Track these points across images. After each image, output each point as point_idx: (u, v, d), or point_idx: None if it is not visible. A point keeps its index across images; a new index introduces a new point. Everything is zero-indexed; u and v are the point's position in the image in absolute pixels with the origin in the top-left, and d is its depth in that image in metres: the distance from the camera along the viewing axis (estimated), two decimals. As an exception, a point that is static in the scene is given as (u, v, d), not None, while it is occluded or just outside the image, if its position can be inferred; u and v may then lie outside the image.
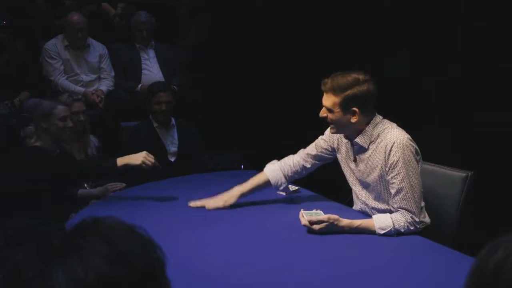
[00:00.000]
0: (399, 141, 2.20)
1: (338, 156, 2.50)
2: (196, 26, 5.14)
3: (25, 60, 4.51)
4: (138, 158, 2.59)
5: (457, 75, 3.81)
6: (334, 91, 2.23)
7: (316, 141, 2.57)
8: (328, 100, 2.26)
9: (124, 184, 3.19)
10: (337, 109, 2.24)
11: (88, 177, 2.98)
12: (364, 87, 2.21)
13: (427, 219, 2.36)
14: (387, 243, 2.11)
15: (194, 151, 3.77)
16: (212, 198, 2.55)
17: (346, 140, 2.42)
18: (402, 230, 2.16)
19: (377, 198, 2.36)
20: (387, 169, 2.23)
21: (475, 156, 3.36)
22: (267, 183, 2.58)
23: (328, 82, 2.25)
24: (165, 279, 0.78)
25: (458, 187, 2.42)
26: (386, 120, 2.34)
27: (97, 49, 4.48)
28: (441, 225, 2.41)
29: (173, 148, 3.71)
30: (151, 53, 4.63)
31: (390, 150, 2.20)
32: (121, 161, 2.62)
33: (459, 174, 2.45)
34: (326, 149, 2.53)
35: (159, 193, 2.79)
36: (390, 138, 2.23)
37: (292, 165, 2.58)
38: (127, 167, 2.60)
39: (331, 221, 2.15)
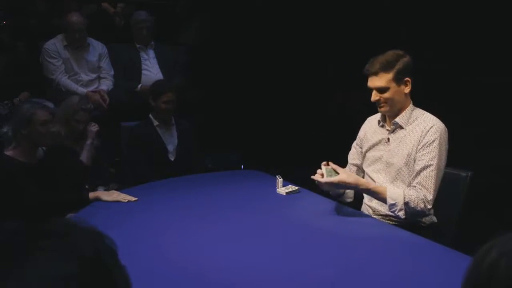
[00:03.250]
0: (439, 125, 2.32)
1: (364, 146, 2.54)
2: (195, 26, 5.14)
3: (25, 60, 4.51)
4: (110, 195, 2.68)
5: (456, 74, 3.81)
6: (385, 69, 2.31)
7: (350, 155, 2.63)
8: (380, 80, 2.32)
9: (135, 199, 2.74)
10: (392, 85, 2.32)
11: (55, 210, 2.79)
12: (406, 58, 2.34)
13: (434, 218, 2.41)
14: (387, 243, 2.11)
15: (191, 143, 3.74)
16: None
17: (378, 125, 2.48)
18: (412, 205, 2.22)
19: (395, 179, 2.39)
20: (420, 146, 2.30)
21: (475, 155, 3.36)
22: None
23: (374, 64, 2.32)
24: (119, 267, 0.74)
25: (458, 187, 2.42)
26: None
27: (97, 49, 4.48)
28: (441, 225, 2.41)
29: (173, 147, 3.71)
30: (151, 53, 4.63)
31: (428, 131, 2.30)
32: (93, 194, 2.71)
33: (459, 174, 2.45)
34: (360, 152, 2.59)
35: (159, 193, 2.79)
36: (431, 121, 2.34)
37: None
38: (99, 200, 2.67)
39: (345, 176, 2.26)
